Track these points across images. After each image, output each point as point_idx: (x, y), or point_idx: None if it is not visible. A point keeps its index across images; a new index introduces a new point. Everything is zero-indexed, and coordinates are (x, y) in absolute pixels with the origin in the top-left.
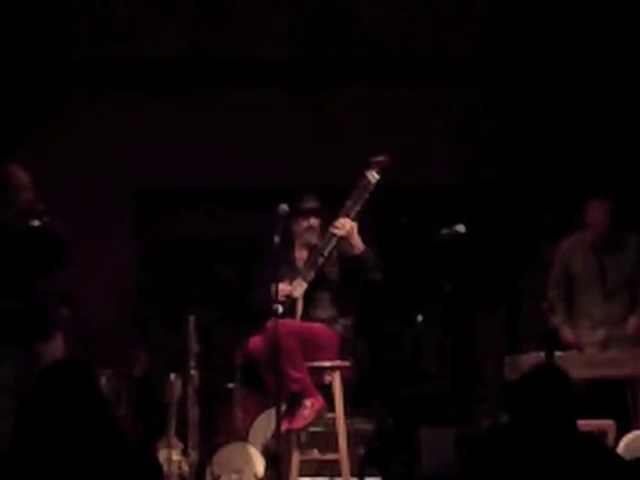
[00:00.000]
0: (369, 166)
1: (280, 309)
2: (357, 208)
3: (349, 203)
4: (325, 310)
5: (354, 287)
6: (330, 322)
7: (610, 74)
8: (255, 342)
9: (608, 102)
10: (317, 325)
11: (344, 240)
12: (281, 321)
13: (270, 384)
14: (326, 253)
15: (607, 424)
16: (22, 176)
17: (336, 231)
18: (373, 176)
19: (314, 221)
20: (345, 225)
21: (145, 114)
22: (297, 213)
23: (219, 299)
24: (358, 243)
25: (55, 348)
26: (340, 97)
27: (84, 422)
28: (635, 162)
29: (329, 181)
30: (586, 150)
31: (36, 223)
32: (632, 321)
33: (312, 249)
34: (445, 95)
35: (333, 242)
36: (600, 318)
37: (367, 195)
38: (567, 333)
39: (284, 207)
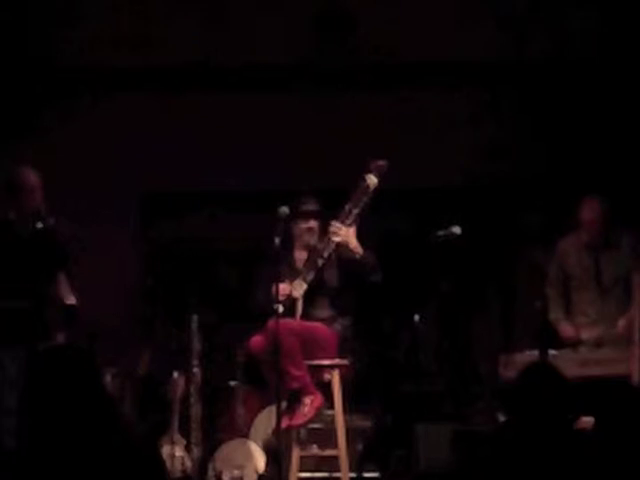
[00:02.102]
0: (369, 170)
1: (281, 309)
2: (356, 211)
3: (348, 207)
4: (324, 310)
5: (353, 289)
6: (329, 321)
7: (604, 75)
8: (256, 341)
9: (601, 103)
10: (317, 324)
11: (342, 245)
12: (281, 320)
13: (271, 382)
14: (325, 255)
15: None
16: (32, 178)
17: (334, 237)
18: (372, 180)
19: (313, 223)
20: (341, 231)
21: (149, 118)
22: (297, 215)
23: (221, 299)
24: (357, 247)
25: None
26: (340, 101)
27: (87, 417)
28: (628, 161)
29: (329, 184)
30: (580, 150)
31: (39, 225)
32: (621, 322)
33: (311, 250)
34: (442, 99)
35: (331, 247)
36: (595, 316)
37: (366, 199)
38: (566, 328)
39: (284, 209)
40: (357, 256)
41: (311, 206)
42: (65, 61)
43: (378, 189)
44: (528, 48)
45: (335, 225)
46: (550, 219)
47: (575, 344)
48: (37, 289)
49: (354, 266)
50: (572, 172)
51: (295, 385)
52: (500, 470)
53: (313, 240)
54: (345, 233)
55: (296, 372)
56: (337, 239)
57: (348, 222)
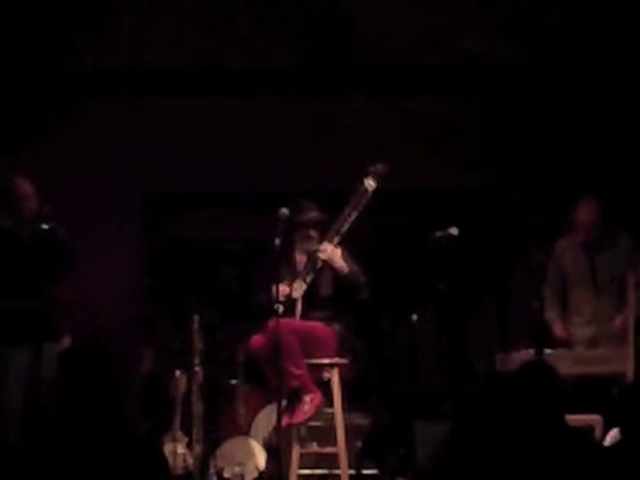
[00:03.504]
0: (367, 174)
1: (281, 309)
2: (354, 215)
3: (346, 210)
4: (324, 310)
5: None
6: (329, 321)
7: (602, 77)
8: (257, 340)
9: (596, 104)
10: (316, 324)
11: (328, 263)
12: (282, 320)
13: (271, 380)
14: (319, 266)
15: (594, 419)
16: (26, 186)
17: (320, 255)
18: (370, 184)
19: (313, 233)
20: (327, 250)
21: (150, 120)
22: (297, 224)
23: (222, 299)
24: (341, 268)
25: (63, 348)
26: (340, 103)
27: (93, 415)
28: (624, 162)
29: (329, 186)
30: (576, 151)
31: (45, 226)
32: (617, 320)
33: (311, 253)
34: (441, 101)
35: (318, 264)
36: (590, 315)
37: (364, 202)
38: (557, 329)
39: (285, 211)
40: (341, 275)
41: (312, 215)
42: (68, 64)
43: (376, 193)
44: (526, 52)
45: (323, 244)
46: (549, 219)
47: (565, 344)
48: (42, 290)
49: (342, 280)
50: (571, 173)
51: (295, 384)
52: (497, 468)
53: (312, 246)
54: (331, 253)
55: (296, 371)
56: (323, 257)
57: (336, 241)
